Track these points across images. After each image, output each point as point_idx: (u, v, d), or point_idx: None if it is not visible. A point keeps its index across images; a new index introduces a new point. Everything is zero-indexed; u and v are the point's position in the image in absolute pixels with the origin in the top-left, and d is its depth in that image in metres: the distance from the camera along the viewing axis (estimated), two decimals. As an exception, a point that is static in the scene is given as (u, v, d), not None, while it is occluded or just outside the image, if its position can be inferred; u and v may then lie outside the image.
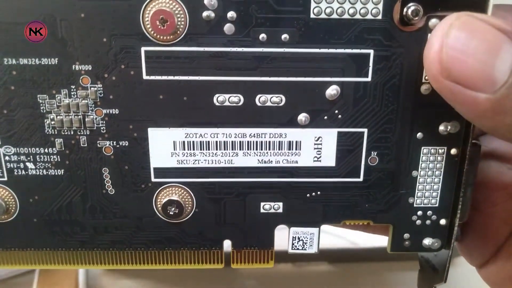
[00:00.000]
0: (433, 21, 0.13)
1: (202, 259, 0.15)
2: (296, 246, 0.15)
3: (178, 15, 0.13)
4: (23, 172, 0.14)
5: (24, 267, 0.15)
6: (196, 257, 0.15)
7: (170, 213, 0.14)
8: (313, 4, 0.13)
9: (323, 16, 0.13)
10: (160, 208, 0.14)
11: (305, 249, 0.15)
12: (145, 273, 0.29)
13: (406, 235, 0.15)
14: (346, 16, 0.13)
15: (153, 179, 0.14)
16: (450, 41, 0.11)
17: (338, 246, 0.27)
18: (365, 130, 0.14)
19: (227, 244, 0.15)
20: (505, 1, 0.14)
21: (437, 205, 0.15)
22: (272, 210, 0.15)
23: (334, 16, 0.13)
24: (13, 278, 0.28)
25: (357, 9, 0.13)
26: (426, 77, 0.13)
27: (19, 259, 0.15)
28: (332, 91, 0.13)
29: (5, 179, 0.14)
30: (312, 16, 0.13)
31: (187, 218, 0.14)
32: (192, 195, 0.14)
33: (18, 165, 0.14)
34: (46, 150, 0.14)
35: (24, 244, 0.15)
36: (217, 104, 0.13)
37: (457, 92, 0.11)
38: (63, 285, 0.28)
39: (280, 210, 0.15)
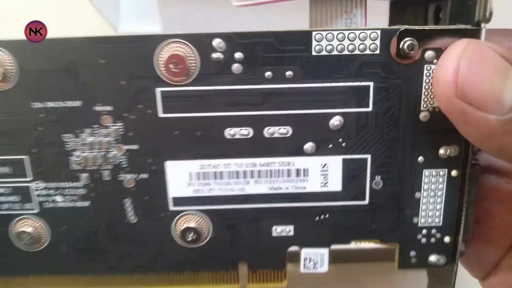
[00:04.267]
0: (428, 53, 0.14)
1: (219, 280, 0.16)
2: (307, 266, 0.16)
3: (190, 58, 0.14)
4: (53, 204, 0.15)
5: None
6: (213, 278, 0.16)
7: (188, 239, 0.15)
8: (314, 43, 0.14)
9: (324, 53, 0.14)
10: (179, 235, 0.15)
11: (316, 269, 0.16)
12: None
13: (413, 253, 0.16)
14: (345, 52, 0.14)
15: (171, 208, 0.15)
16: (465, 64, 0.12)
17: (338, 246, 0.28)
18: (369, 156, 0.15)
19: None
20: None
21: (440, 224, 0.15)
22: (284, 233, 0.16)
23: (335, 52, 0.14)
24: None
25: (356, 46, 0.14)
26: (425, 105, 0.14)
27: (51, 283, 0.16)
28: (335, 121, 0.14)
29: (37, 211, 0.15)
30: (313, 53, 0.14)
31: (204, 243, 0.15)
32: (209, 221, 0.15)
33: (48, 199, 0.15)
34: (72, 184, 0.15)
35: (55, 269, 0.16)
36: (228, 137, 0.14)
37: (469, 113, 0.12)
38: None
39: (291, 233, 0.16)
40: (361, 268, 0.30)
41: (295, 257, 0.28)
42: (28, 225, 0.15)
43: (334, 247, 0.16)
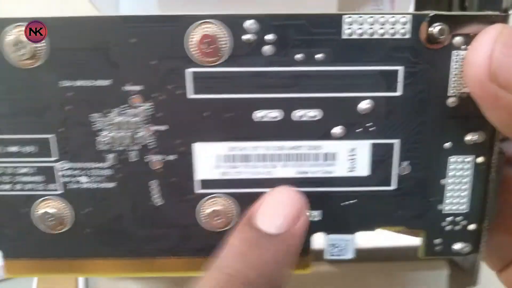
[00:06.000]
0: (457, 38, 0.14)
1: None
2: (332, 253, 0.16)
3: (222, 39, 0.14)
4: (77, 185, 0.15)
5: (74, 275, 0.16)
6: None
7: (215, 222, 0.15)
8: (345, 26, 0.14)
9: (354, 36, 0.14)
10: (204, 218, 0.15)
11: (340, 256, 0.16)
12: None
13: (437, 241, 0.16)
14: (376, 36, 0.14)
15: (198, 191, 0.15)
16: (500, 48, 0.12)
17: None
18: (397, 141, 0.15)
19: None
20: None
21: (466, 211, 0.15)
22: (310, 218, 0.15)
23: (365, 36, 0.14)
24: (13, 278, 0.29)
25: (386, 30, 0.14)
26: (452, 91, 0.14)
27: (69, 268, 0.16)
28: (364, 105, 0.14)
29: (61, 192, 0.15)
30: (344, 36, 0.14)
31: (230, 226, 0.15)
32: (235, 205, 0.15)
33: (72, 179, 0.15)
34: (98, 165, 0.15)
35: (76, 253, 0.16)
36: (257, 119, 0.14)
37: (502, 97, 0.12)
38: (63, 286, 0.29)
39: (317, 218, 0.15)
40: (362, 268, 0.30)
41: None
42: (51, 206, 0.15)
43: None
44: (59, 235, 0.16)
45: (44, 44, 0.14)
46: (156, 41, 0.14)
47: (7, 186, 0.15)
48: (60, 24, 0.14)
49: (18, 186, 0.15)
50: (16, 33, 0.14)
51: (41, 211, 0.15)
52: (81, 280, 0.27)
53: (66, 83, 0.14)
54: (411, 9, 0.17)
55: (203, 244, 0.16)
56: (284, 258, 0.14)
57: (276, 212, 0.14)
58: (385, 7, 0.15)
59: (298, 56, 0.14)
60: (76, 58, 0.14)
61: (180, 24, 0.14)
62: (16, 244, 0.16)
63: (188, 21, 0.14)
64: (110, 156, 0.15)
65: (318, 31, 0.14)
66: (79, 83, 0.14)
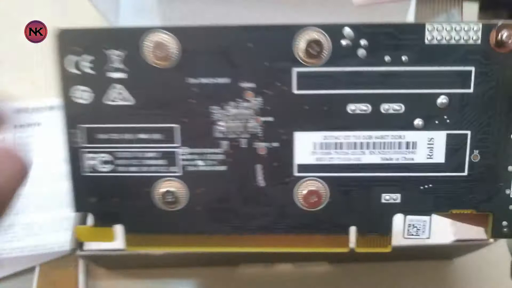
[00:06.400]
0: (522, 43, 0.16)
1: (330, 243, 0.18)
2: (411, 232, 0.18)
3: (325, 43, 0.17)
4: (195, 168, 0.18)
5: (186, 248, 0.19)
6: (325, 242, 0.18)
7: (311, 201, 0.18)
8: (426, 33, 0.17)
9: (434, 42, 0.17)
10: (300, 198, 0.18)
11: (418, 235, 0.18)
12: (144, 274, 0.30)
13: (504, 223, 0.18)
14: (452, 41, 0.17)
15: (296, 174, 0.18)
16: None
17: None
18: (469, 132, 0.17)
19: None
20: None
21: None
22: (391, 201, 0.18)
23: (443, 42, 0.17)
24: (13, 277, 0.30)
25: (461, 36, 0.16)
26: (518, 88, 0.17)
27: (182, 242, 0.19)
28: (442, 100, 0.17)
29: (180, 174, 0.18)
30: (426, 42, 0.17)
31: (322, 207, 0.18)
32: (327, 188, 0.18)
33: (191, 163, 0.18)
34: (214, 150, 0.18)
35: (189, 229, 0.18)
36: (349, 112, 0.17)
37: None
38: (63, 285, 0.29)
39: (398, 201, 0.18)
40: (361, 268, 0.31)
41: (296, 257, 0.29)
42: (171, 186, 0.18)
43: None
44: (175, 213, 0.18)
45: (177, 48, 0.17)
46: (268, 45, 0.17)
47: (135, 168, 0.18)
48: (190, 31, 0.17)
49: (144, 168, 0.18)
50: (156, 38, 0.17)
51: (162, 190, 0.18)
52: (81, 278, 0.28)
53: (192, 80, 0.17)
54: (475, 18, 0.19)
55: (298, 222, 0.18)
56: None
57: None
58: (455, 17, 0.17)
59: (387, 58, 0.17)
60: (202, 59, 0.17)
61: (288, 31, 0.17)
62: (137, 219, 0.18)
63: (295, 29, 0.17)
64: (224, 143, 0.18)
65: (404, 37, 0.17)
66: (203, 80, 0.17)
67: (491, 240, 0.28)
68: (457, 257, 0.33)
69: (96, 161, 0.18)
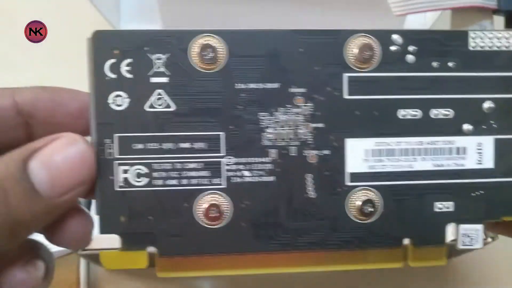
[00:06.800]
0: (557, 51, 0.17)
1: (384, 258, 0.17)
2: (465, 242, 0.17)
3: (375, 49, 0.17)
4: (240, 179, 0.17)
5: (226, 272, 0.17)
6: (378, 257, 0.17)
7: (366, 211, 0.17)
8: (470, 40, 0.17)
9: (478, 48, 0.17)
10: (354, 209, 0.17)
11: (471, 245, 0.17)
12: (145, 274, 0.29)
13: (553, 229, 0.18)
14: (494, 48, 0.17)
15: (348, 183, 0.17)
16: None
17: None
18: None
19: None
20: None
21: None
22: (444, 209, 0.17)
23: (486, 48, 0.17)
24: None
25: (502, 43, 0.17)
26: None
27: (223, 265, 0.17)
28: (488, 105, 0.17)
29: (224, 186, 0.16)
30: (470, 48, 0.17)
31: (375, 218, 0.17)
32: (381, 197, 0.17)
33: (236, 173, 0.17)
34: (261, 159, 0.17)
35: (231, 248, 0.17)
36: (400, 117, 0.17)
37: None
38: (64, 284, 0.28)
39: (451, 209, 0.17)
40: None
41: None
42: (214, 201, 0.16)
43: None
44: (217, 230, 0.17)
45: (224, 52, 0.16)
46: (319, 50, 0.16)
47: (174, 181, 0.16)
48: (238, 35, 0.16)
49: (184, 181, 0.16)
50: (203, 42, 0.16)
51: (204, 205, 0.16)
52: (82, 278, 0.26)
53: (241, 86, 0.16)
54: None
55: (350, 236, 0.17)
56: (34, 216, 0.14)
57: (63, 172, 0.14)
58: (488, 28, 0.18)
59: (434, 64, 0.17)
60: (250, 64, 0.16)
61: (339, 37, 0.17)
62: (173, 240, 0.16)
63: (346, 34, 0.17)
64: (273, 151, 0.17)
65: (450, 44, 0.17)
66: (251, 85, 0.16)
67: (489, 239, 0.28)
68: (455, 256, 0.32)
69: (130, 174, 0.16)
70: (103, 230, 0.16)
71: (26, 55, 0.31)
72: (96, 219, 0.16)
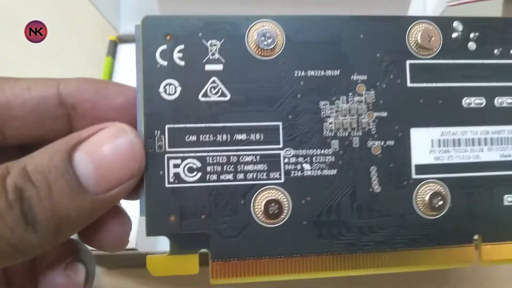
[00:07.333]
0: None
1: (454, 257, 0.16)
2: (536, 238, 0.16)
3: (436, 36, 0.16)
4: (300, 173, 0.15)
5: (287, 277, 0.15)
6: (448, 256, 0.16)
7: (435, 205, 0.15)
8: (529, 28, 0.17)
9: (538, 36, 0.17)
10: (421, 204, 0.16)
11: (542, 242, 0.16)
12: (144, 274, 0.28)
13: None
14: (554, 36, 0.17)
15: (414, 176, 0.16)
16: None
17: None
18: None
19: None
20: None
21: None
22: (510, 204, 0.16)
23: (546, 36, 0.17)
24: None
25: (561, 31, 0.17)
26: None
27: (283, 268, 0.15)
28: (552, 93, 0.16)
29: (282, 181, 0.15)
30: (531, 35, 0.16)
31: (443, 213, 0.16)
32: (448, 190, 0.16)
33: (296, 167, 0.15)
34: (322, 151, 0.15)
35: (290, 249, 0.15)
36: (465, 105, 0.16)
37: None
38: None
39: None
40: None
41: None
42: (272, 196, 0.15)
43: None
44: (275, 229, 0.15)
45: (281, 38, 0.15)
46: (380, 37, 0.16)
47: (229, 176, 0.15)
48: (295, 21, 0.15)
49: (240, 176, 0.15)
50: (260, 27, 0.15)
51: (262, 202, 0.15)
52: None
53: (300, 73, 0.15)
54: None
55: (419, 233, 0.16)
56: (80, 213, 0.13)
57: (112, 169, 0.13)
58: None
59: (496, 51, 0.16)
60: (309, 50, 0.15)
61: (401, 23, 0.16)
62: (228, 241, 0.15)
63: (408, 21, 0.16)
64: (334, 142, 0.15)
65: (509, 31, 0.16)
66: (311, 73, 0.15)
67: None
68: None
69: (181, 169, 0.15)
70: (151, 232, 0.15)
71: (26, 55, 0.30)
72: (136, 220, 0.15)
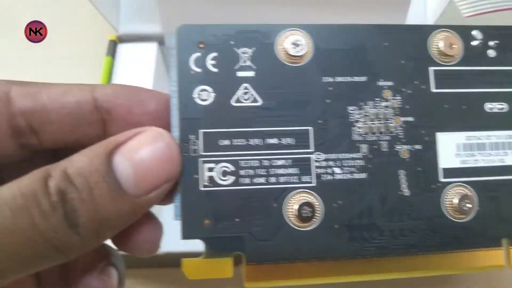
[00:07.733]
0: None
1: (482, 260, 0.16)
2: None
3: (456, 44, 0.17)
4: (331, 177, 0.16)
5: (322, 280, 0.15)
6: (476, 259, 0.16)
7: (464, 208, 0.16)
8: (545, 37, 0.17)
9: (554, 44, 0.17)
10: (450, 207, 0.16)
11: None
12: (145, 274, 0.28)
13: None
14: None
15: (441, 179, 0.16)
16: None
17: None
18: None
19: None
20: None
21: None
22: None
23: (562, 44, 0.17)
24: None
25: None
26: None
27: (317, 271, 0.15)
28: None
29: (314, 184, 0.15)
30: (546, 44, 0.17)
31: (472, 216, 0.16)
32: (475, 193, 0.16)
33: (327, 170, 0.16)
34: (352, 155, 0.16)
35: (323, 252, 0.15)
36: (487, 110, 0.17)
37: None
38: None
39: None
40: None
41: None
42: (305, 200, 0.15)
43: None
44: (308, 233, 0.15)
45: (310, 46, 0.16)
46: (404, 44, 0.16)
47: (262, 179, 0.15)
48: (323, 30, 0.16)
49: (272, 179, 0.15)
50: (290, 35, 0.16)
51: (294, 205, 0.15)
52: None
53: (328, 79, 0.16)
54: None
55: (448, 236, 0.16)
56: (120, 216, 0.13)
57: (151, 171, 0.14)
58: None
59: (515, 58, 0.17)
60: (337, 57, 0.16)
61: (423, 32, 0.17)
62: (262, 245, 0.15)
63: (429, 29, 0.17)
64: (363, 146, 0.16)
65: (527, 39, 0.17)
66: (339, 79, 0.16)
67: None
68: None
69: (215, 172, 0.15)
70: (186, 235, 0.15)
71: (26, 55, 0.30)
72: (167, 224, 0.15)
